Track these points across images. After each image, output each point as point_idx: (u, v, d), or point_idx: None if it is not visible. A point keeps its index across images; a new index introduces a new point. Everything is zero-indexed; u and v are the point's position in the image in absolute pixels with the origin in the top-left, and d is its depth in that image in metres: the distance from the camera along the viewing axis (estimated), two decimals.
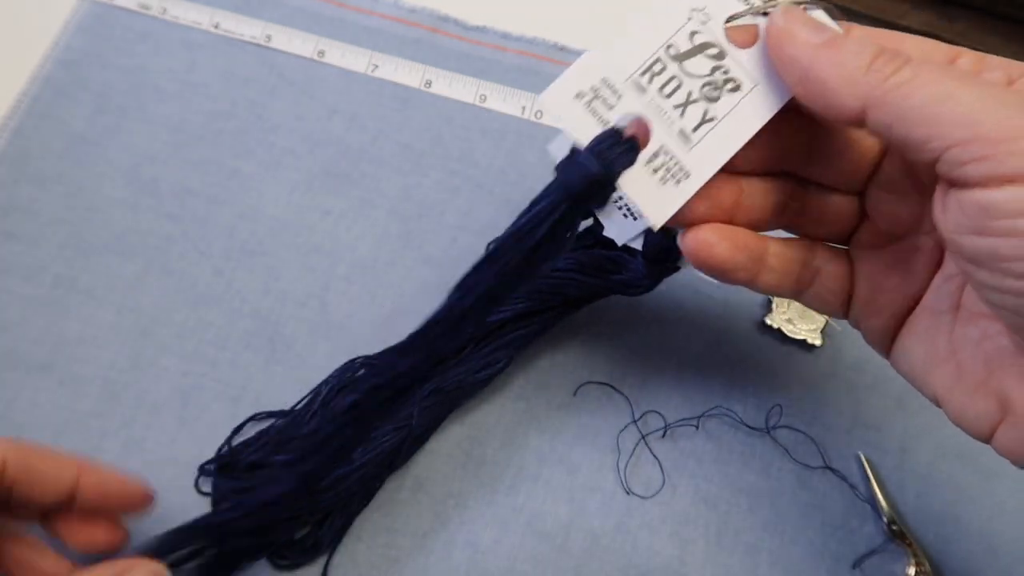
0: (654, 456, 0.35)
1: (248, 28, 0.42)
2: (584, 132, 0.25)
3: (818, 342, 0.36)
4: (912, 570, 0.32)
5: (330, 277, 0.37)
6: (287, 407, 0.34)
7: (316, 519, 0.32)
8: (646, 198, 0.25)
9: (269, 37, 0.42)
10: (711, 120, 0.25)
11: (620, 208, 0.26)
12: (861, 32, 0.24)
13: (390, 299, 0.37)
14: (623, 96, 0.25)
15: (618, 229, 0.27)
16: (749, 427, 0.35)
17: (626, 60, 0.25)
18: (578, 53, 0.42)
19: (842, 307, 0.29)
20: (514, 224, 0.27)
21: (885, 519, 0.33)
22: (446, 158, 0.40)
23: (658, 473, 0.34)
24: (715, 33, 0.25)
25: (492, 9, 0.43)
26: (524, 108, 0.41)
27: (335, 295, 0.37)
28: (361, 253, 0.38)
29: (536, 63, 0.42)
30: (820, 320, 0.37)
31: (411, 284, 0.37)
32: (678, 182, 0.25)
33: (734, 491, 0.34)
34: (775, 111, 0.25)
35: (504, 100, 0.41)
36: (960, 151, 0.20)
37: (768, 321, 0.37)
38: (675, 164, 0.25)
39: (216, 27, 0.42)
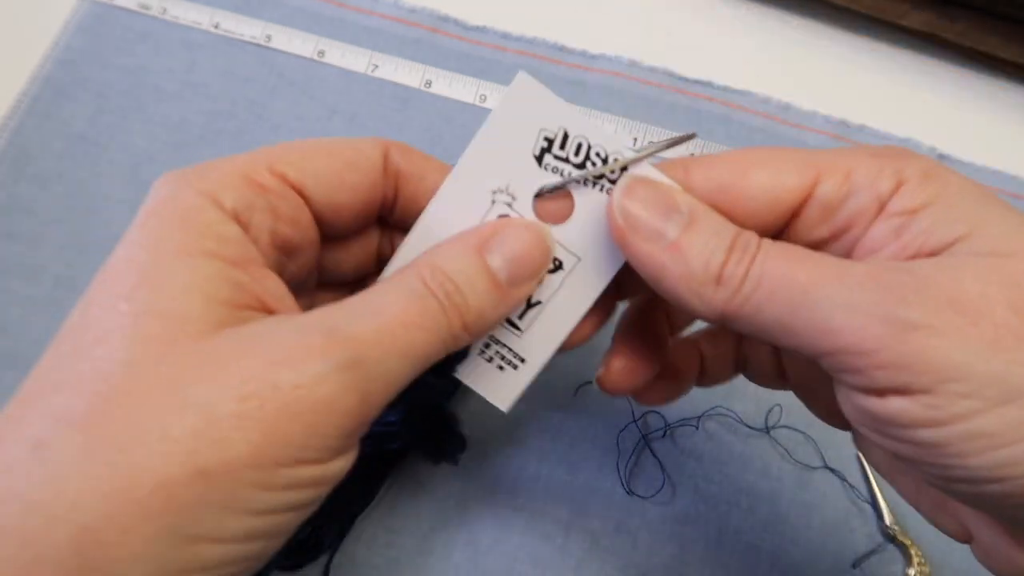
0: (654, 456, 0.35)
1: (248, 28, 0.42)
2: None
3: None
4: (912, 570, 0.32)
5: None
6: None
7: (317, 520, 0.32)
8: (487, 385, 0.24)
9: (269, 37, 0.42)
10: (537, 305, 0.24)
11: (490, 360, 0.24)
12: (707, 220, 0.20)
13: None
14: None
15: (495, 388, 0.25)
16: (749, 427, 0.35)
17: None
18: (579, 53, 0.43)
19: (783, 386, 0.28)
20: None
21: (885, 519, 0.33)
22: (446, 158, 0.40)
23: (658, 473, 0.34)
24: (525, 212, 0.23)
25: (492, 9, 0.43)
26: None
27: None
28: None
29: (536, 63, 0.42)
30: None
31: None
32: (515, 368, 0.24)
33: (734, 491, 0.34)
34: (606, 283, 0.23)
35: None
36: (830, 361, 0.18)
37: None
38: (508, 352, 0.24)
39: (216, 27, 0.42)
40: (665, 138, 0.23)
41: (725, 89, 0.42)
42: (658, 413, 0.35)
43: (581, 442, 0.35)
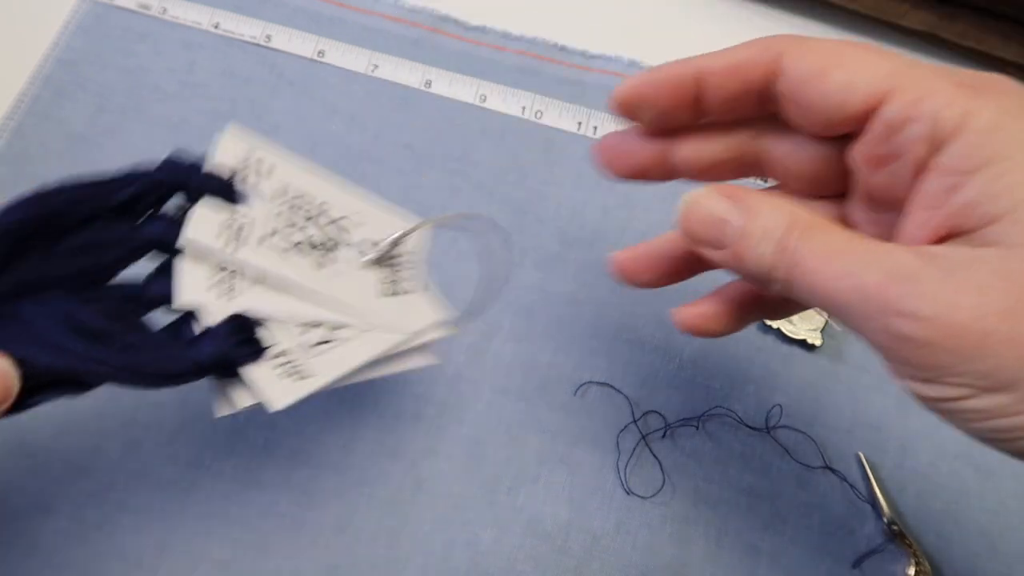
0: (654, 456, 0.35)
1: (248, 28, 0.42)
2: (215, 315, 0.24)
3: (818, 342, 0.36)
4: (912, 570, 0.32)
5: None
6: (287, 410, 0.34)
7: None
8: (267, 386, 0.24)
9: (269, 37, 0.42)
10: (328, 343, 0.24)
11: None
12: (757, 225, 0.22)
13: None
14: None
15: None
16: (749, 427, 0.35)
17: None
18: (579, 53, 0.43)
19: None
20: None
21: (885, 519, 0.33)
22: (446, 158, 0.40)
23: (658, 473, 0.34)
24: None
25: (492, 9, 0.43)
26: (524, 108, 0.41)
27: None
28: None
29: (536, 63, 0.42)
30: (820, 320, 0.37)
31: None
32: (302, 378, 0.24)
33: (734, 491, 0.34)
34: (388, 346, 0.25)
35: (504, 100, 0.41)
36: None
37: (768, 321, 0.37)
38: (299, 365, 0.24)
39: (216, 27, 0.42)
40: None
41: None
42: (658, 413, 0.35)
43: (581, 442, 0.35)
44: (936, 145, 0.19)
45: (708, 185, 0.23)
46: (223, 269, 0.24)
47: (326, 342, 0.24)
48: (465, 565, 0.32)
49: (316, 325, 0.25)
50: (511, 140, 0.41)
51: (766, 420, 0.36)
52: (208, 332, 0.24)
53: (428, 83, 0.41)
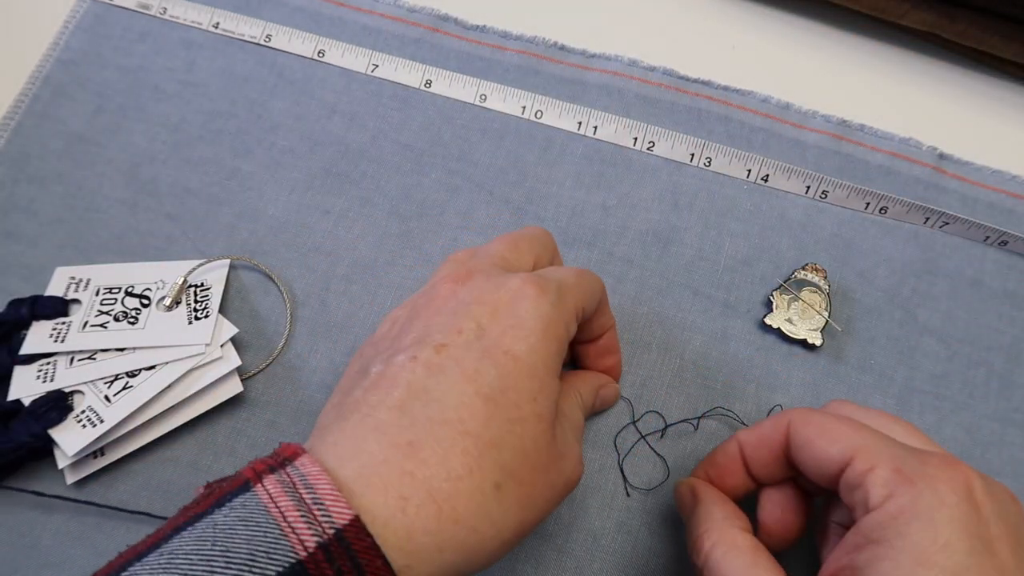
0: (657, 455, 0.35)
1: (248, 28, 0.42)
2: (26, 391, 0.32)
3: (818, 342, 0.36)
4: None
5: (330, 277, 0.37)
6: (286, 409, 0.34)
7: None
8: (66, 437, 0.31)
9: (269, 37, 0.42)
10: (129, 388, 0.32)
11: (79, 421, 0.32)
12: (695, 516, 0.29)
13: (390, 299, 0.37)
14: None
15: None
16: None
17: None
18: (579, 53, 0.43)
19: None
20: None
21: None
22: (446, 158, 0.40)
23: (659, 473, 0.34)
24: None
25: (492, 9, 0.43)
26: (524, 108, 0.41)
27: (335, 295, 0.37)
28: (361, 253, 0.38)
29: (536, 62, 0.42)
30: (820, 320, 0.37)
31: (411, 284, 0.37)
32: (95, 425, 0.31)
33: None
34: (169, 382, 0.32)
35: (504, 100, 0.41)
36: None
37: (768, 321, 0.37)
38: (95, 416, 0.31)
39: (216, 27, 0.42)
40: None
41: (725, 88, 0.42)
42: (658, 413, 0.35)
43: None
44: (866, 509, 0.24)
45: (690, 479, 0.31)
46: (46, 363, 0.32)
47: (126, 388, 0.32)
48: None
49: (119, 377, 0.32)
50: (511, 140, 0.41)
51: None
52: (25, 407, 0.32)
53: (428, 83, 0.41)
